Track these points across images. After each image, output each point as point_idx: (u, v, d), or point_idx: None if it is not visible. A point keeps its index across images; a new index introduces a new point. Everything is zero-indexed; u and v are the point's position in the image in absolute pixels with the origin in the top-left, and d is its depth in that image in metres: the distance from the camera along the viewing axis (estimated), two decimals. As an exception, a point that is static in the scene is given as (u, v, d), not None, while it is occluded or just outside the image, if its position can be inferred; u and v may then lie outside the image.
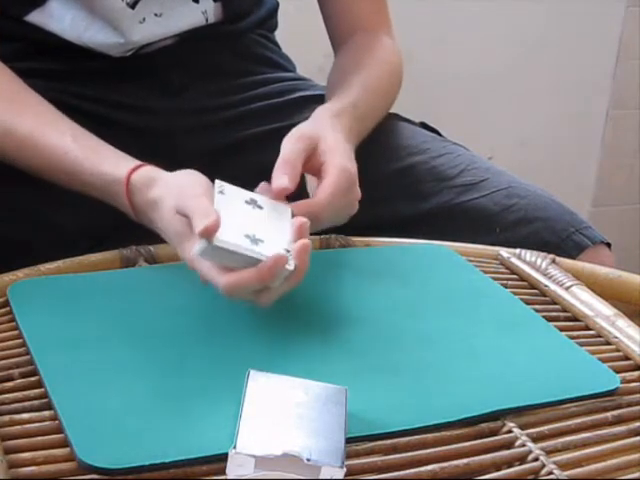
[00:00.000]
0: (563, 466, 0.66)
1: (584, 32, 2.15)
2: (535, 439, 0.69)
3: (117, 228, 0.95)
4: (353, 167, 0.90)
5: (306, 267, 0.78)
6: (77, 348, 0.75)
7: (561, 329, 0.84)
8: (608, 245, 1.04)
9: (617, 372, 0.77)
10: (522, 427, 0.70)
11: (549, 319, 0.85)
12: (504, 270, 0.95)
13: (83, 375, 0.72)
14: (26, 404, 0.69)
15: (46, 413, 0.68)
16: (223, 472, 0.62)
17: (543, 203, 1.05)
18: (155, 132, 1.08)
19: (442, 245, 0.98)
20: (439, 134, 1.17)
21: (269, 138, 1.08)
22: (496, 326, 0.83)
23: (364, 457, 0.66)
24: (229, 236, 0.76)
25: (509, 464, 0.67)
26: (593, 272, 0.95)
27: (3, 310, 0.82)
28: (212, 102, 1.12)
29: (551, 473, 0.65)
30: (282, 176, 0.84)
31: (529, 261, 0.95)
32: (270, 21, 1.21)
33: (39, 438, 0.65)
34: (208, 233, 0.75)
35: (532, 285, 0.92)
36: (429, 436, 0.68)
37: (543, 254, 0.96)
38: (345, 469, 0.62)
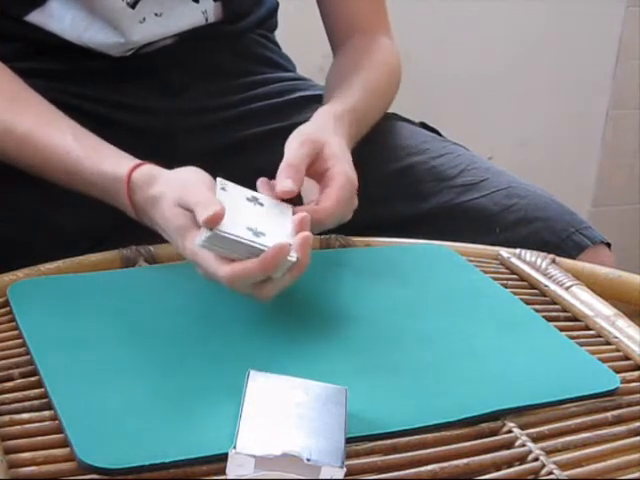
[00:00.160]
0: (563, 466, 0.66)
1: (584, 32, 2.14)
2: (535, 439, 0.69)
3: (117, 228, 0.95)
4: (355, 175, 0.90)
5: (308, 259, 0.78)
6: (77, 348, 0.75)
7: (561, 329, 0.84)
8: (608, 245, 1.04)
9: (617, 372, 0.77)
10: (522, 427, 0.70)
11: (549, 319, 0.85)
12: (504, 270, 0.95)
13: (83, 375, 0.72)
14: (26, 404, 0.69)
15: (46, 413, 0.68)
16: (223, 472, 0.62)
17: (543, 203, 1.05)
18: (155, 132, 1.08)
19: (442, 245, 0.98)
20: (439, 134, 1.17)
21: (269, 138, 1.09)
22: (496, 326, 0.83)
23: (364, 457, 0.66)
24: (232, 228, 0.76)
25: (509, 464, 0.67)
26: (593, 272, 0.95)
27: (3, 310, 0.82)
28: (212, 102, 1.12)
29: (551, 473, 0.65)
30: (286, 179, 0.84)
31: (529, 261, 0.95)
32: (270, 21, 1.21)
33: (39, 438, 0.65)
34: (212, 222, 0.75)
35: (532, 285, 0.92)
36: (429, 436, 0.68)
37: (543, 254, 0.96)
38: (345, 469, 0.62)
